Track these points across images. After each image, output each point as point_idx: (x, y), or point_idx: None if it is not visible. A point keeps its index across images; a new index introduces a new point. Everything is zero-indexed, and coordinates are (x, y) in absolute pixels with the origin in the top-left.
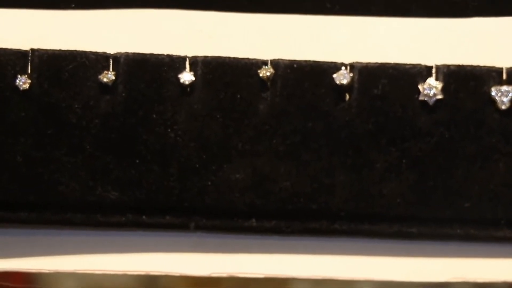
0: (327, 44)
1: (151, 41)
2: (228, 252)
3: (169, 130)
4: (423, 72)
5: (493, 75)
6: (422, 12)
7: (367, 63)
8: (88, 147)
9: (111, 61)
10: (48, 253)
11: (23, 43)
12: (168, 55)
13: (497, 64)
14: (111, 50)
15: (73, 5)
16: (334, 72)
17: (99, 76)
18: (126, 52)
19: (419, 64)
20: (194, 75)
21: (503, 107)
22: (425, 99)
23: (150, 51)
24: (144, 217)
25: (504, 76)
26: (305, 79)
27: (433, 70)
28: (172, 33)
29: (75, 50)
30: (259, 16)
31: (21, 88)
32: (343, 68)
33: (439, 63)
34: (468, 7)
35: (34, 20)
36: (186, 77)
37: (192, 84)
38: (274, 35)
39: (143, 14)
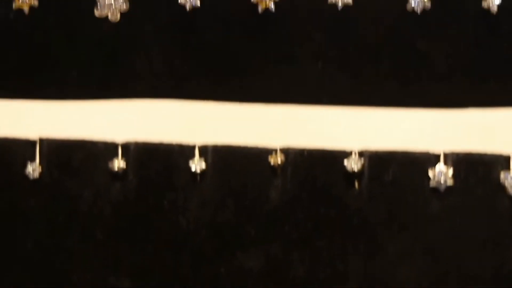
0: (330, 133)
1: (155, 131)
2: None
3: (180, 217)
4: (432, 158)
5: (501, 162)
6: (420, 104)
7: (376, 150)
8: (99, 235)
9: (120, 149)
10: None
11: (32, 133)
12: (178, 144)
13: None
14: (112, 138)
15: (78, 96)
16: (345, 159)
17: (109, 164)
18: (135, 141)
19: (428, 152)
20: (205, 163)
21: None
22: (436, 185)
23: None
24: None
25: None
26: (316, 165)
27: (442, 157)
28: (175, 123)
29: (84, 139)
30: (259, 106)
31: (31, 177)
32: (353, 154)
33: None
34: (465, 101)
35: (42, 110)
36: (197, 164)
37: (203, 171)
38: (276, 124)
39: (145, 105)
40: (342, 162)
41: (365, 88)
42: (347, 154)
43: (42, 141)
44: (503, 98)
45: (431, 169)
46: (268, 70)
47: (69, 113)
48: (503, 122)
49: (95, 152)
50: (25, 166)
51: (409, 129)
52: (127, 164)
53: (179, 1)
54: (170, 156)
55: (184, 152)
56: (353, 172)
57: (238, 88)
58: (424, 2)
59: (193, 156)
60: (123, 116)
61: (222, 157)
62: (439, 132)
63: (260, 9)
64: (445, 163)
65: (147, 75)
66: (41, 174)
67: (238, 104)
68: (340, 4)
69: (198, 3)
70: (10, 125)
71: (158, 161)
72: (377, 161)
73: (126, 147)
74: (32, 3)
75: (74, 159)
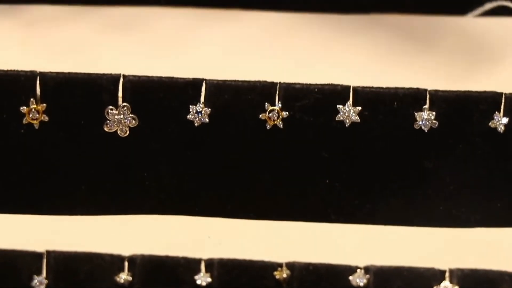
0: (336, 248)
1: (161, 245)
2: None
3: None
4: (437, 275)
5: (506, 279)
6: (426, 222)
7: (382, 266)
8: None
9: (126, 263)
10: None
11: (39, 246)
12: (183, 257)
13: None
14: (118, 251)
15: (87, 211)
16: (350, 274)
17: (115, 277)
18: (141, 254)
19: (433, 268)
20: (211, 277)
21: None
22: None
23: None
24: None
25: None
26: (321, 280)
27: (447, 274)
28: (180, 239)
29: (91, 252)
30: (265, 222)
31: None
32: (358, 270)
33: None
34: (472, 219)
35: (49, 223)
36: (203, 278)
37: (208, 285)
38: (282, 240)
39: (151, 219)
40: (348, 277)
41: (371, 205)
42: (352, 270)
43: (49, 253)
44: (509, 217)
45: (437, 285)
46: (276, 186)
47: (76, 226)
48: (508, 240)
49: (101, 265)
50: (31, 279)
51: (415, 246)
52: (133, 277)
53: (188, 117)
54: (176, 270)
55: (190, 265)
56: (358, 287)
57: (245, 205)
58: (431, 120)
59: (198, 270)
60: (129, 230)
61: (227, 271)
62: (444, 249)
63: (268, 126)
64: (451, 279)
65: (155, 191)
66: (47, 286)
67: (245, 220)
68: (347, 121)
69: (207, 119)
70: (18, 238)
71: (163, 274)
72: (383, 277)
73: (132, 260)
74: (43, 118)
75: (80, 272)
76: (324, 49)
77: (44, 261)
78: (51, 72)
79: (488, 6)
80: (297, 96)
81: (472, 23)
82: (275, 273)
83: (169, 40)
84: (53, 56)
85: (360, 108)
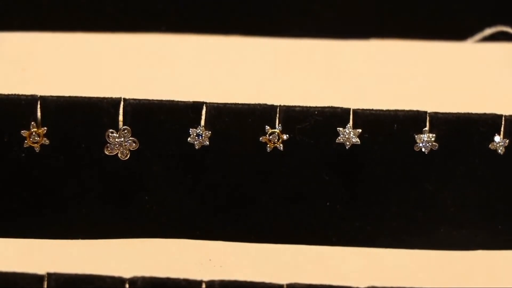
0: (336, 270)
1: (162, 267)
2: None
3: None
4: None
5: None
6: (427, 245)
7: None
8: None
9: (127, 285)
10: None
11: (40, 268)
12: (184, 279)
13: None
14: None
15: (87, 235)
16: None
17: None
18: (142, 276)
19: None
20: None
21: None
22: None
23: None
24: None
25: None
26: None
27: None
28: (182, 262)
29: (92, 274)
30: (266, 245)
31: None
32: None
33: None
34: (473, 242)
35: (50, 246)
36: None
37: None
38: (283, 261)
39: (152, 241)
40: None
41: (372, 227)
42: None
43: (50, 276)
44: (510, 240)
45: None
46: (277, 209)
47: (77, 249)
48: (509, 262)
49: (102, 287)
50: None
51: (416, 268)
52: None
53: (188, 140)
54: None
55: (191, 287)
56: None
57: (246, 228)
58: (432, 142)
59: None
60: (131, 253)
61: None
62: (445, 271)
63: (268, 148)
64: None
65: (156, 214)
66: None
67: (245, 243)
68: (348, 144)
69: (207, 142)
70: (18, 261)
71: None
72: None
73: (133, 282)
74: (43, 141)
75: None
76: (325, 74)
77: (45, 283)
78: (51, 96)
79: (487, 31)
80: (297, 118)
81: (472, 49)
82: None
83: (170, 64)
84: (53, 80)
85: (360, 130)
